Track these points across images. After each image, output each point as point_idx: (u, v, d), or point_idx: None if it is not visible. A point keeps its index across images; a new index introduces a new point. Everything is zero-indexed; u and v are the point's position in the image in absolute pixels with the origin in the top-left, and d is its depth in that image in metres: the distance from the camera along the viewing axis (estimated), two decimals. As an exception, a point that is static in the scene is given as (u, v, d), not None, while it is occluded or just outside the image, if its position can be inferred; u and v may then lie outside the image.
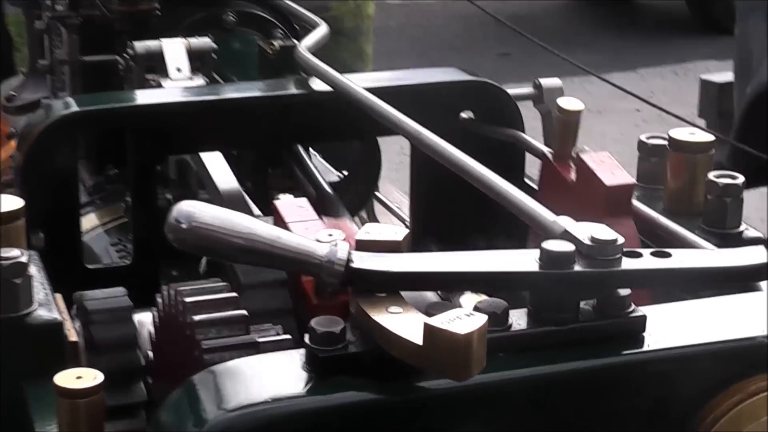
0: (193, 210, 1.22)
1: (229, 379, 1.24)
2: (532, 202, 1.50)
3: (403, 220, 2.59)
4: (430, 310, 1.24)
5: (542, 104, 2.27)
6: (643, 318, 1.30)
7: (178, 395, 1.24)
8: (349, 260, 1.24)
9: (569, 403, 1.28)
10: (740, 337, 1.32)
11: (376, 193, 2.88)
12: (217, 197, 2.15)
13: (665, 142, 1.85)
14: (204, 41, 2.43)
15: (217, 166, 2.19)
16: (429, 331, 1.15)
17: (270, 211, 2.10)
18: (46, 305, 1.50)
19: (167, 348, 1.51)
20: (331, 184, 2.33)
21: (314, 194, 2.26)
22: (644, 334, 1.30)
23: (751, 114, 4.60)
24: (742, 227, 1.75)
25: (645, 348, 1.30)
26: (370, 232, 1.31)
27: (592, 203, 1.72)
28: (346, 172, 2.57)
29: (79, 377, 1.35)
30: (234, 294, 1.45)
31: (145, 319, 1.63)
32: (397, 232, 1.31)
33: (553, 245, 1.27)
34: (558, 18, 11.75)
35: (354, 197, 2.42)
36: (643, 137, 1.89)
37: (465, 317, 1.16)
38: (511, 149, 2.09)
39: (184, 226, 1.21)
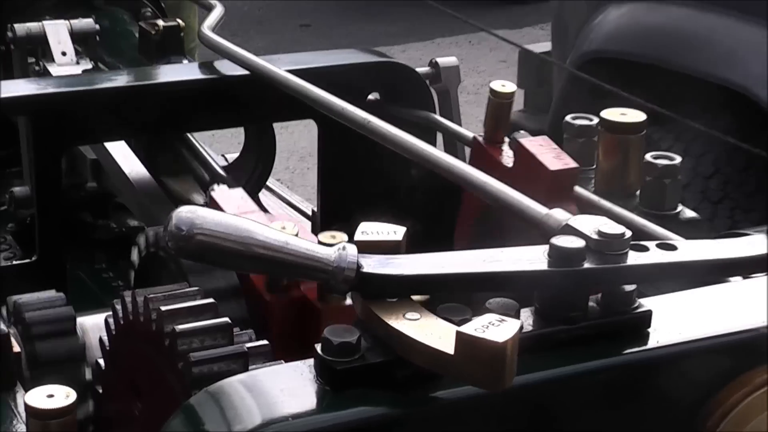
0: (194, 216, 1.08)
1: (235, 398, 1.11)
2: (516, 193, 1.40)
3: (295, 207, 2.45)
4: (444, 313, 1.13)
5: (440, 83, 2.18)
6: (649, 313, 1.22)
7: (179, 422, 1.11)
8: (359, 265, 1.12)
9: (584, 400, 1.19)
10: (743, 328, 1.26)
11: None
12: (126, 185, 2.00)
13: (592, 123, 1.77)
14: (87, 22, 2.27)
15: (122, 153, 2.05)
16: (463, 340, 1.04)
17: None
18: None
19: (126, 357, 1.36)
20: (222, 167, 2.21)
21: (206, 177, 2.14)
22: (649, 329, 1.23)
23: (570, 86, 4.62)
24: (679, 208, 1.69)
25: (652, 344, 1.22)
26: (367, 231, 1.19)
27: (533, 188, 1.62)
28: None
29: (50, 395, 1.21)
30: (211, 300, 1.31)
31: (88, 324, 1.48)
32: (396, 231, 1.20)
33: (562, 241, 1.18)
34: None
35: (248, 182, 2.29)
36: (568, 118, 1.81)
37: (497, 323, 1.06)
38: (422, 129, 1.99)
39: (186, 233, 1.08)
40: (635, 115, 1.72)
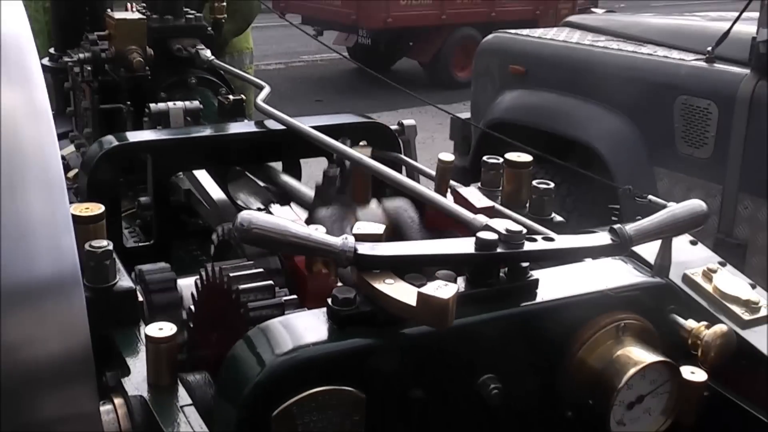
0: (251, 217, 1.04)
1: (276, 332, 1.06)
2: (454, 204, 1.35)
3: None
4: (409, 279, 1.08)
5: (404, 136, 2.13)
6: (537, 280, 1.18)
7: (240, 347, 1.06)
8: (355, 249, 1.07)
9: (496, 335, 1.15)
10: (594, 290, 1.21)
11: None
12: (209, 201, 1.94)
13: (499, 161, 1.72)
14: (195, 104, 2.19)
15: (205, 179, 1.99)
16: (422, 297, 1.01)
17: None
18: (124, 278, 1.29)
19: (207, 305, 1.31)
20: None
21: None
22: (537, 290, 1.18)
23: (482, 139, 4.60)
24: (553, 215, 1.65)
25: (537, 300, 1.18)
26: (361, 227, 1.14)
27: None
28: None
29: (161, 329, 1.16)
30: (261, 269, 1.26)
31: (184, 284, 1.43)
32: (379, 227, 1.15)
33: (484, 235, 1.13)
34: (348, 78, 11.67)
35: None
36: (485, 158, 1.75)
37: (443, 287, 1.01)
38: (393, 165, 1.93)
39: (245, 228, 1.03)
40: (526, 158, 1.68)
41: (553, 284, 1.20)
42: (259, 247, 1.10)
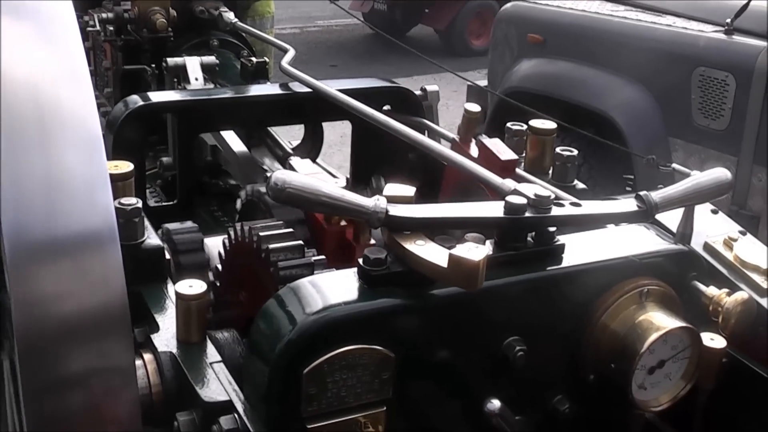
0: (285, 177, 1.04)
1: (307, 291, 1.06)
2: (482, 169, 1.35)
3: (333, 175, 2.38)
4: (439, 241, 1.08)
5: (426, 101, 2.12)
6: (563, 245, 1.18)
7: (271, 306, 1.07)
8: (387, 210, 1.07)
9: (523, 298, 1.16)
10: (617, 256, 1.22)
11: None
12: (234, 159, 1.94)
13: (523, 128, 1.72)
14: (211, 59, 2.20)
15: (231, 138, 1.99)
16: (453, 258, 1.01)
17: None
18: (152, 235, 1.30)
19: (235, 264, 1.32)
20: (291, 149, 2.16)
21: (281, 154, 2.09)
22: (563, 255, 1.19)
23: (498, 107, 4.57)
24: (575, 182, 1.65)
25: (564, 264, 1.18)
26: (391, 189, 1.14)
27: (489, 170, 1.56)
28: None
29: (191, 286, 1.17)
30: (291, 229, 1.26)
31: (210, 242, 1.43)
32: (409, 190, 1.15)
33: (513, 199, 1.13)
34: (363, 44, 11.57)
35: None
36: (509, 125, 1.75)
37: (474, 249, 1.02)
38: (416, 128, 1.93)
39: (280, 187, 1.03)
40: (550, 125, 1.68)
41: (579, 249, 1.20)
42: (293, 207, 1.10)
